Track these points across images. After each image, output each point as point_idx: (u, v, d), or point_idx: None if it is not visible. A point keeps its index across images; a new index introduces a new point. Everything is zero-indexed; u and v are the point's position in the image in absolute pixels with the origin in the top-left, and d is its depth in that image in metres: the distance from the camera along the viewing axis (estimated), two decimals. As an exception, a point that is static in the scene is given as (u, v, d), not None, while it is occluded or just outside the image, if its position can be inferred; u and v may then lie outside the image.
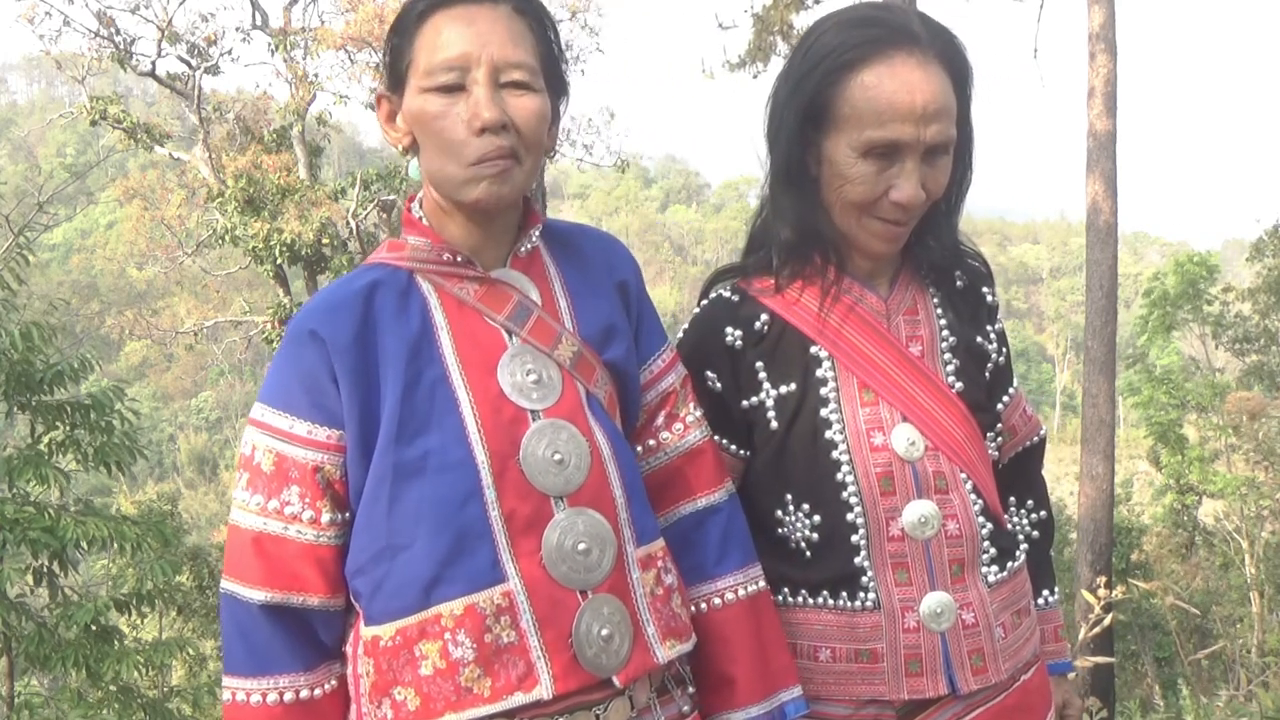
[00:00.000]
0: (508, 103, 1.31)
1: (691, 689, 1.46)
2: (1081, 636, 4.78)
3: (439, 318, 1.36)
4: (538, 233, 1.45)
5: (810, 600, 1.53)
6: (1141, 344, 15.48)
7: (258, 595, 1.32)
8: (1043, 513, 1.76)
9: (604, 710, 1.33)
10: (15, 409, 6.03)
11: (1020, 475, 1.74)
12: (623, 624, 1.33)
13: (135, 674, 6.23)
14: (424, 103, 1.32)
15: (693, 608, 1.45)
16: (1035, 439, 1.76)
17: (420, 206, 1.43)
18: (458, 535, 1.29)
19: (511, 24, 1.33)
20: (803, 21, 12.16)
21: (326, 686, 1.36)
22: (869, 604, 1.50)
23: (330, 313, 1.34)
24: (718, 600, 1.45)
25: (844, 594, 1.51)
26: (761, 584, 1.48)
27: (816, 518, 1.52)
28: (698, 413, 1.51)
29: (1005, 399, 1.68)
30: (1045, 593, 1.73)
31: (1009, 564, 1.58)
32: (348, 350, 1.32)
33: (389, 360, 1.32)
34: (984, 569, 1.54)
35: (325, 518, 1.33)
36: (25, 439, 6.24)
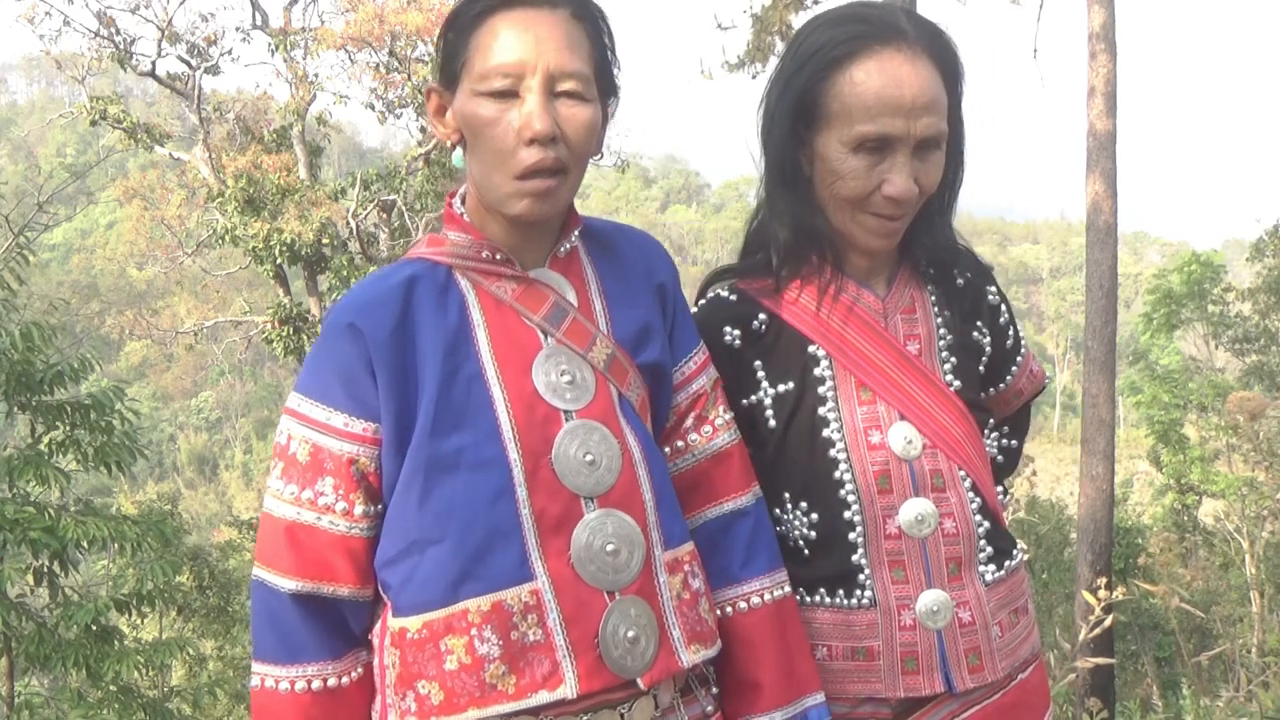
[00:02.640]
0: (560, 113, 1.31)
1: (715, 689, 1.46)
2: (1081, 637, 4.78)
3: (476, 315, 1.37)
4: (577, 233, 1.45)
5: (808, 598, 1.53)
6: (1144, 341, 15.47)
7: (289, 584, 1.33)
8: (1014, 442, 1.77)
9: (628, 709, 1.34)
10: (15, 409, 6.03)
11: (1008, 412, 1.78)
12: (648, 626, 1.33)
13: (135, 674, 6.23)
14: (476, 106, 1.32)
15: (719, 611, 1.45)
16: (1038, 390, 1.79)
17: (462, 202, 1.43)
18: (488, 532, 1.29)
19: (570, 30, 1.32)
20: (801, 22, 12.13)
21: (354, 674, 1.37)
22: (865, 601, 1.50)
23: (369, 306, 1.34)
24: (744, 604, 1.45)
25: (841, 591, 1.51)
26: (787, 589, 1.48)
27: (814, 515, 1.52)
28: (727, 416, 1.51)
29: (1014, 368, 1.72)
30: None
31: (1006, 563, 1.58)
32: (386, 344, 1.32)
33: (426, 355, 1.33)
34: (981, 567, 1.55)
35: (358, 509, 1.33)
36: (25, 439, 6.24)
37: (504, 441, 1.31)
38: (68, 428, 6.08)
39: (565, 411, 1.34)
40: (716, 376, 1.52)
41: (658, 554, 1.36)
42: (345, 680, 1.36)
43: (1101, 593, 4.72)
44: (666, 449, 1.49)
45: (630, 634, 1.31)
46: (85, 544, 5.63)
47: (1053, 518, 13.14)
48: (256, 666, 1.35)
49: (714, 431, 1.49)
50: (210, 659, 11.69)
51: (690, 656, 1.36)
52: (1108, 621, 4.81)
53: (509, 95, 1.30)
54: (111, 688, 6.07)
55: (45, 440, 6.05)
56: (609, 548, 1.31)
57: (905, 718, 1.52)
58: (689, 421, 1.49)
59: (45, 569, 5.84)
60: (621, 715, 1.33)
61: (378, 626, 1.37)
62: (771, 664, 1.43)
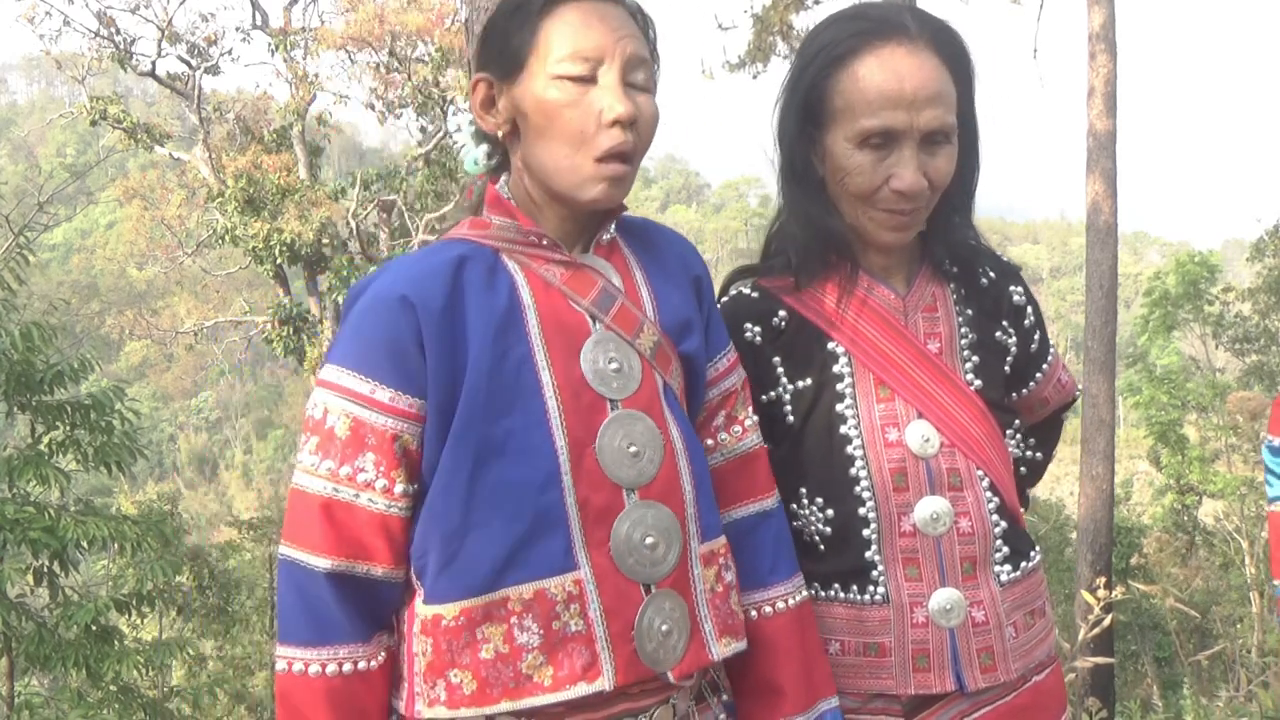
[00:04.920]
0: (635, 100, 1.31)
1: (726, 696, 1.45)
2: (1081, 637, 4.78)
3: (526, 296, 1.34)
4: (614, 222, 1.43)
5: (821, 592, 1.54)
6: (1142, 343, 15.49)
7: (324, 563, 1.27)
8: (1039, 454, 1.77)
9: (650, 717, 1.33)
10: (15, 409, 6.03)
11: (1037, 422, 1.77)
12: (682, 620, 1.32)
13: (135, 674, 6.22)
14: (551, 90, 1.30)
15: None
16: (1066, 401, 1.78)
17: (507, 188, 1.41)
18: (535, 519, 1.27)
19: (633, 24, 1.35)
20: (802, 22, 12.15)
21: (379, 659, 1.32)
22: (878, 598, 1.50)
23: (422, 279, 1.31)
24: (769, 609, 1.44)
25: (854, 587, 1.52)
26: (805, 593, 1.48)
27: (830, 511, 1.53)
28: (755, 417, 1.50)
29: (1038, 375, 1.71)
30: None
31: (1023, 564, 1.58)
32: (437, 319, 1.28)
33: (475, 334, 1.30)
34: (996, 567, 1.54)
35: (399, 488, 1.29)
36: (25, 439, 6.24)
37: (551, 428, 1.29)
38: (68, 428, 6.08)
39: (611, 400, 1.33)
40: (745, 376, 1.51)
41: (694, 546, 1.35)
42: (373, 664, 1.31)
43: (1101, 592, 4.73)
44: None
45: (664, 627, 1.30)
46: (85, 544, 5.62)
47: (1052, 518, 13.14)
48: (282, 650, 1.30)
49: (743, 432, 1.48)
50: (210, 659, 11.69)
51: (721, 649, 1.35)
52: (1107, 621, 4.81)
53: (585, 80, 1.30)
54: (111, 688, 6.07)
55: (45, 440, 6.05)
56: (648, 540, 1.30)
57: (915, 715, 1.51)
58: (719, 420, 1.48)
59: (45, 569, 5.84)
60: None
61: (405, 613, 1.34)
62: (793, 669, 1.42)
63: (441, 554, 1.29)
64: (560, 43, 1.30)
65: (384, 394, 1.28)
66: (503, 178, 1.42)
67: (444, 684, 1.28)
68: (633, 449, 1.32)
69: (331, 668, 1.29)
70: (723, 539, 1.41)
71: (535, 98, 1.32)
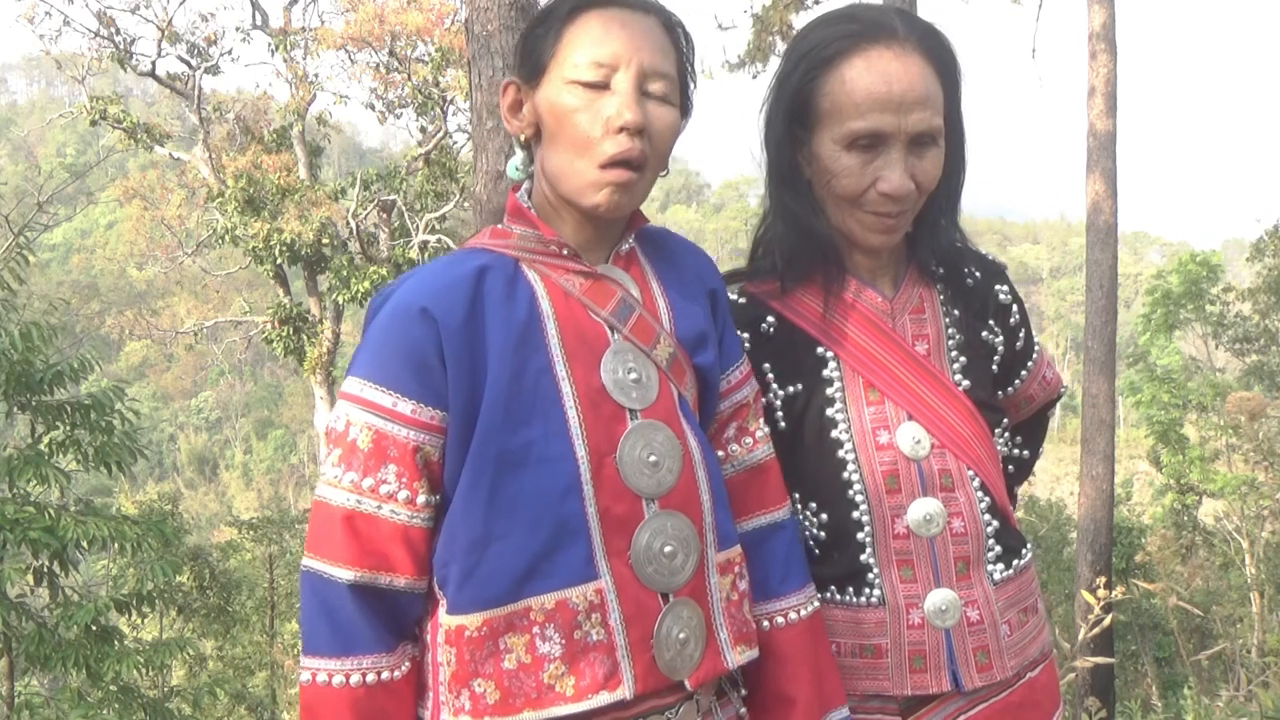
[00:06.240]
0: (647, 110, 1.32)
1: (743, 691, 1.46)
2: (1081, 636, 4.78)
3: (546, 307, 1.35)
4: (633, 233, 1.44)
5: (818, 595, 1.53)
6: (1143, 342, 15.49)
7: (347, 574, 1.28)
8: (1025, 452, 1.77)
9: (675, 714, 1.34)
10: (15, 409, 6.03)
11: (1023, 420, 1.78)
12: (698, 628, 1.33)
13: (135, 674, 6.23)
14: (564, 94, 1.32)
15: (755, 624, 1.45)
16: (1052, 398, 1.79)
17: (529, 197, 1.41)
18: (556, 529, 1.28)
19: (660, 36, 1.35)
20: (802, 22, 12.16)
21: (404, 668, 1.33)
22: (874, 600, 1.51)
23: (442, 292, 1.31)
24: (781, 619, 1.45)
25: (850, 589, 1.52)
26: (817, 604, 1.48)
27: (824, 516, 1.53)
28: (766, 429, 1.51)
29: (1024, 373, 1.71)
30: None
31: (1015, 562, 1.58)
32: (458, 332, 1.29)
33: (495, 345, 1.31)
34: (989, 566, 1.55)
35: (420, 499, 1.30)
36: (25, 439, 6.24)
37: (571, 438, 1.30)
38: (68, 428, 6.08)
39: (630, 410, 1.34)
40: (758, 389, 1.52)
41: (711, 555, 1.36)
42: (397, 674, 1.32)
43: (1101, 592, 4.73)
44: None
45: (681, 635, 1.31)
46: (85, 544, 5.62)
47: (1052, 518, 13.15)
48: (307, 661, 1.30)
49: (754, 444, 1.48)
50: (210, 659, 11.71)
51: (736, 658, 1.37)
52: (1107, 621, 4.81)
53: (599, 87, 1.31)
54: (111, 688, 6.07)
55: (45, 440, 6.06)
56: (667, 549, 1.31)
57: (912, 714, 1.52)
58: (730, 431, 1.48)
59: (45, 569, 5.84)
60: (669, 719, 1.33)
61: (428, 623, 1.35)
62: (806, 680, 1.43)
63: (463, 565, 1.29)
64: (578, 49, 1.32)
65: (405, 406, 1.29)
66: (524, 185, 1.43)
67: (468, 693, 1.28)
68: (652, 459, 1.32)
69: (355, 678, 1.29)
70: (738, 548, 1.41)
71: (549, 101, 1.33)
